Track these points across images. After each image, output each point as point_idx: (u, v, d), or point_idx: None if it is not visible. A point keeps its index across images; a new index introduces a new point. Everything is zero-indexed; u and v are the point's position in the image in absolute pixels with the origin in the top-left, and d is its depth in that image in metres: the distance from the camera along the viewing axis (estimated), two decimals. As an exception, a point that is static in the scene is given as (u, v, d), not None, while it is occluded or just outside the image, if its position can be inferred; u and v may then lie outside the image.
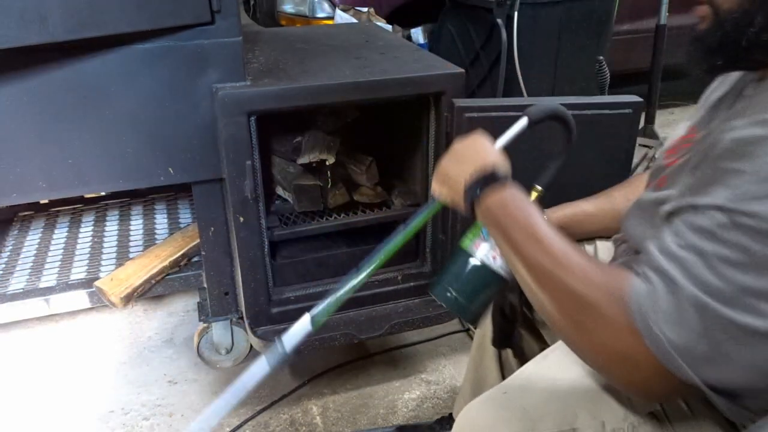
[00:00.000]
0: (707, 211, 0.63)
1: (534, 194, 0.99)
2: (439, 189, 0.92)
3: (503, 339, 1.09)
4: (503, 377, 1.30)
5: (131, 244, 1.89)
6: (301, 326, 0.93)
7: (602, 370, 0.71)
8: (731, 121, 0.66)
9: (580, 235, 1.13)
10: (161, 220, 2.02)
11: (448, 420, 1.47)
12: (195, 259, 1.78)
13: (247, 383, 0.90)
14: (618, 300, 0.66)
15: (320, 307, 0.95)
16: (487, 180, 0.83)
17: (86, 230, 2.00)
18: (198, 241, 1.68)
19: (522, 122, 0.94)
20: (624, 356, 0.66)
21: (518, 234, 0.77)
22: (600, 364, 0.70)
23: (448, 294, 0.93)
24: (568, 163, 1.13)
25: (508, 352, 1.28)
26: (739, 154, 0.62)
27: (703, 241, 0.62)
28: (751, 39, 0.67)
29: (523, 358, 1.28)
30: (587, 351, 0.71)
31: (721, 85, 0.87)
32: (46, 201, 2.10)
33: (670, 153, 0.87)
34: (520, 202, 0.80)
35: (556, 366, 0.89)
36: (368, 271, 0.97)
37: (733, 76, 0.83)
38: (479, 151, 0.88)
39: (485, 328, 1.31)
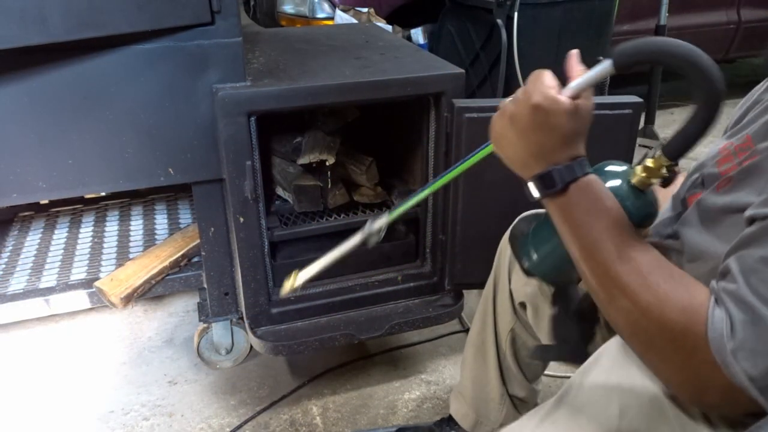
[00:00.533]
0: None
1: (655, 162, 0.73)
2: (498, 144, 0.78)
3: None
4: (503, 380, 1.30)
5: (131, 244, 1.89)
6: (383, 217, 0.94)
7: (669, 385, 0.70)
8: None
9: None
10: (161, 221, 2.02)
11: (448, 422, 1.47)
12: (195, 259, 1.78)
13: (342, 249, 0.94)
14: (695, 325, 0.64)
15: (397, 207, 0.95)
16: (584, 165, 0.72)
17: (86, 230, 2.00)
18: (198, 241, 1.68)
19: (604, 66, 0.72)
20: (695, 377, 0.65)
21: (604, 233, 0.70)
22: (668, 380, 0.69)
23: (533, 256, 0.85)
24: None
25: (506, 354, 1.27)
26: None
27: None
28: None
29: (518, 359, 1.28)
30: (654, 364, 0.70)
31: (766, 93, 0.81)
32: (46, 201, 2.10)
33: (723, 161, 0.81)
34: (602, 198, 0.71)
35: (605, 384, 0.84)
36: (431, 187, 0.94)
37: None
38: (563, 128, 0.71)
39: (486, 331, 1.31)
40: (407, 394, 1.73)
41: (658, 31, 2.83)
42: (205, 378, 1.78)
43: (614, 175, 0.78)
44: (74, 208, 2.13)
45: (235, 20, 1.33)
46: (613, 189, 0.76)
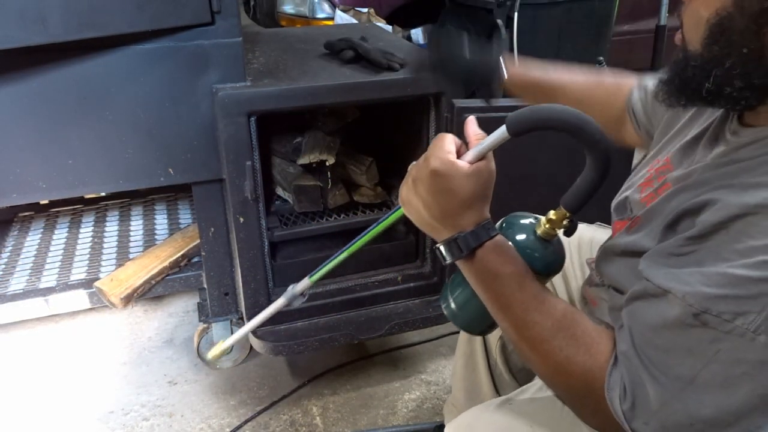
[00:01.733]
0: (676, 301, 0.61)
1: (556, 214, 0.77)
2: (408, 211, 0.81)
3: None
4: (496, 388, 1.29)
5: (131, 244, 1.89)
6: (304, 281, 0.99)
7: (580, 417, 0.74)
8: (717, 185, 0.64)
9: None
10: (161, 221, 2.02)
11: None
12: (195, 259, 1.78)
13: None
14: (596, 388, 0.67)
15: (317, 271, 1.00)
16: (488, 229, 0.74)
17: (86, 231, 2.00)
18: (198, 241, 1.68)
19: (500, 132, 0.73)
20: (603, 426, 0.69)
21: (511, 297, 0.73)
22: (584, 422, 0.73)
23: (451, 305, 0.87)
24: (565, 164, 1.07)
25: (498, 362, 1.27)
26: (733, 232, 0.59)
27: (670, 335, 0.62)
28: (711, 90, 0.64)
29: (510, 365, 1.27)
30: (571, 409, 0.74)
31: (696, 115, 0.81)
32: (46, 201, 2.10)
33: (645, 186, 0.82)
34: (508, 261, 0.74)
35: None
36: (349, 250, 0.97)
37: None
38: (463, 192, 0.72)
39: (474, 339, 1.29)
40: (407, 395, 1.73)
41: (658, 31, 2.82)
42: (205, 378, 1.78)
43: (521, 228, 0.81)
44: (74, 208, 2.13)
45: (235, 20, 1.33)
46: (520, 242, 0.79)
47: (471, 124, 0.77)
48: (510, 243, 0.77)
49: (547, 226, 0.78)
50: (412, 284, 1.69)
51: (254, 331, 1.56)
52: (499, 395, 1.28)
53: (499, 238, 0.75)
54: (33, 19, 1.14)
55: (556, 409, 0.85)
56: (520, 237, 0.80)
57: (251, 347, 1.76)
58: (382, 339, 1.79)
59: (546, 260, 0.80)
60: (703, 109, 0.79)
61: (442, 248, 0.76)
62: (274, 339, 1.55)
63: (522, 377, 1.29)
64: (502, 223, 0.83)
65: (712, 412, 0.59)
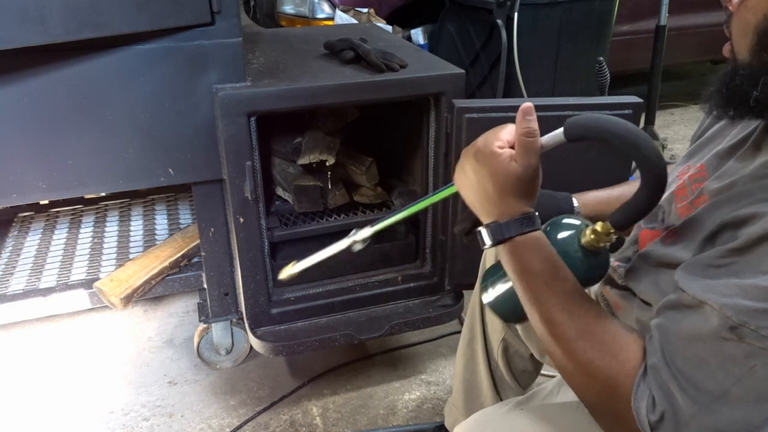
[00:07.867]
0: (713, 312, 0.61)
1: (602, 227, 0.76)
2: (463, 191, 0.83)
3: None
4: (497, 389, 1.29)
5: (131, 244, 1.89)
6: (367, 229, 0.93)
7: (597, 419, 0.73)
8: (761, 198, 0.63)
9: None
10: (161, 221, 2.02)
11: (447, 429, 1.46)
12: (195, 259, 1.78)
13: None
14: (620, 395, 0.66)
15: (381, 221, 0.94)
16: (523, 224, 0.76)
17: (86, 231, 2.00)
18: (198, 241, 1.68)
19: (555, 134, 0.76)
20: (623, 429, 0.68)
21: (539, 294, 0.74)
22: (600, 420, 0.72)
23: (491, 294, 0.87)
24: (567, 166, 1.08)
25: (499, 364, 1.27)
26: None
27: (702, 348, 0.61)
28: (760, 99, 0.64)
29: (511, 367, 1.27)
30: (589, 410, 0.72)
31: (727, 126, 0.81)
32: (46, 202, 2.10)
33: (679, 194, 0.82)
34: (540, 259, 0.76)
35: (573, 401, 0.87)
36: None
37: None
38: (507, 183, 0.76)
39: (475, 341, 1.29)
40: (407, 395, 1.73)
41: (658, 31, 2.83)
42: (205, 378, 1.78)
43: (565, 232, 0.81)
44: (74, 208, 2.13)
45: (235, 21, 1.33)
46: (559, 245, 0.78)
47: (526, 114, 0.76)
48: (549, 242, 0.77)
49: (591, 237, 0.77)
50: (412, 284, 1.68)
51: (254, 332, 1.56)
52: (500, 397, 1.28)
53: (538, 234, 0.76)
54: (33, 20, 1.14)
55: (568, 415, 0.84)
56: (561, 239, 0.80)
57: (251, 347, 1.76)
58: (382, 339, 1.79)
59: (579, 268, 0.78)
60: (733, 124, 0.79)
61: (483, 231, 0.78)
62: (274, 339, 1.55)
63: (524, 379, 1.29)
64: (549, 223, 0.83)
65: (741, 427, 0.59)
